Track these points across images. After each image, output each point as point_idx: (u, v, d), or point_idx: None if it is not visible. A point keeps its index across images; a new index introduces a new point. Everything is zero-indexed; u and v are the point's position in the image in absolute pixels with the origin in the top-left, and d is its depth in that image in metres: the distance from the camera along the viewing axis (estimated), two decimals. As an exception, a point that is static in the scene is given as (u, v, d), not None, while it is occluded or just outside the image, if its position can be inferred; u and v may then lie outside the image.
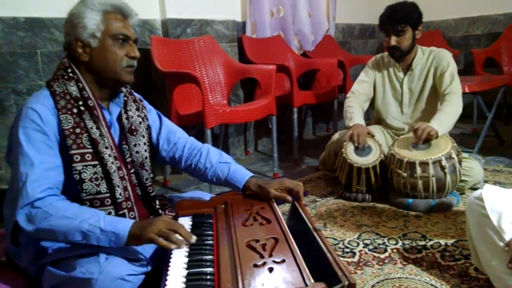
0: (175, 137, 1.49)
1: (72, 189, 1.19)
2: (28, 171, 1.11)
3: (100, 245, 1.08)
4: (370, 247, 1.74)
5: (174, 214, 1.35)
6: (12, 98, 2.18)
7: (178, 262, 1.01)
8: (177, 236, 1.07)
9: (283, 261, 0.95)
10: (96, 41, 1.22)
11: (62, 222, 1.08)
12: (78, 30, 1.21)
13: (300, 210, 1.28)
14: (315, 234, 1.09)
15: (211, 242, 1.10)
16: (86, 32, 1.21)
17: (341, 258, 1.62)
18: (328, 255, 0.96)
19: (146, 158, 1.39)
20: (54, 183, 1.15)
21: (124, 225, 1.09)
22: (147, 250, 1.20)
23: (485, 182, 2.36)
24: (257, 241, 1.05)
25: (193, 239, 1.08)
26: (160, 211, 1.40)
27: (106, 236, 1.07)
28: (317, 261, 0.98)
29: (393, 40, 2.25)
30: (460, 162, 2.08)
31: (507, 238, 1.21)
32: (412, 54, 2.34)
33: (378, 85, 2.48)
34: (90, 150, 1.20)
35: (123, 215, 1.23)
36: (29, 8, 2.21)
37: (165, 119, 1.51)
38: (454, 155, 2.03)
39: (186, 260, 1.02)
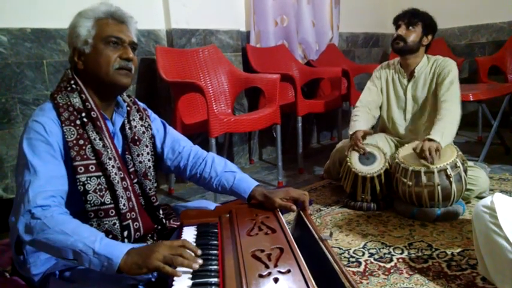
0: (179, 146, 1.49)
1: (77, 201, 1.19)
2: (31, 178, 1.10)
3: (92, 268, 1.00)
4: (376, 256, 1.73)
5: (178, 223, 1.35)
6: (18, 108, 2.19)
7: (183, 272, 1.00)
8: (183, 260, 0.99)
9: (289, 271, 0.94)
10: (89, 47, 1.23)
11: (57, 238, 1.02)
12: (74, 40, 1.24)
13: (306, 219, 1.27)
14: (321, 244, 1.08)
15: (216, 252, 1.10)
16: (80, 40, 1.23)
17: (346, 268, 1.61)
18: (335, 265, 0.96)
19: (150, 167, 1.38)
20: (58, 192, 1.13)
21: (119, 252, 1.00)
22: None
23: (491, 190, 2.35)
24: (262, 251, 1.04)
25: (198, 262, 1.00)
26: (164, 221, 1.40)
27: (98, 260, 0.99)
28: (323, 272, 0.97)
29: (401, 30, 2.28)
30: (465, 171, 2.07)
31: None
32: (416, 60, 2.34)
33: (383, 92, 2.49)
34: (94, 162, 1.20)
35: (128, 226, 1.23)
36: (36, 19, 2.23)
37: (169, 128, 1.51)
38: (459, 164, 2.02)
39: (191, 270, 1.01)
